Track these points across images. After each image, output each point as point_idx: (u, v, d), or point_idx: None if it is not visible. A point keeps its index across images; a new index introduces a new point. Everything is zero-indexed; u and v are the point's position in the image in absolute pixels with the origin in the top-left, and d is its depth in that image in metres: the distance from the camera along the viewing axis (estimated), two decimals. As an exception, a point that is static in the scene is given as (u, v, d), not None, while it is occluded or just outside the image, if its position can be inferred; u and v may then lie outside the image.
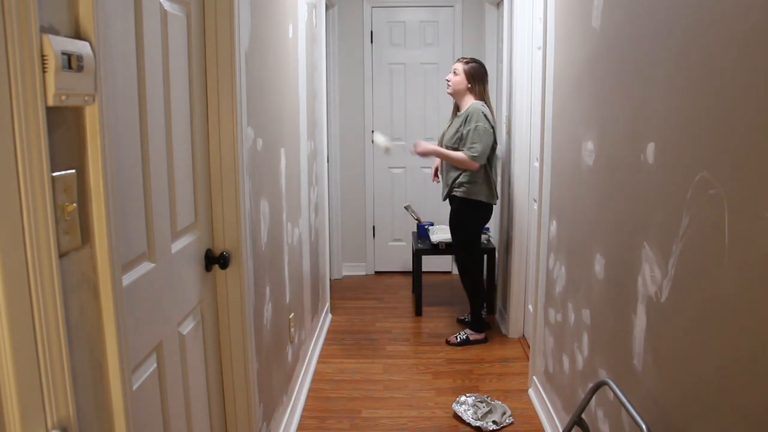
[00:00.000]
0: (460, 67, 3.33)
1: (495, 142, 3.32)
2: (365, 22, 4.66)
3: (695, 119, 1.28)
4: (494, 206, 3.49)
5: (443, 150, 3.37)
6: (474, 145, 3.23)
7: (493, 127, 3.27)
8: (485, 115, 3.24)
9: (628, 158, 1.66)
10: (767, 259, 1.03)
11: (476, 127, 3.22)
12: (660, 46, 1.45)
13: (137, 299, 1.23)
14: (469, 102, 3.32)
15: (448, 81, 3.38)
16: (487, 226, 4.45)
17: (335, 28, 4.61)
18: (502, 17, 3.79)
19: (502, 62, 3.92)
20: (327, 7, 4.28)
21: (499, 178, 3.69)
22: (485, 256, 4.12)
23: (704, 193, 1.23)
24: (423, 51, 4.69)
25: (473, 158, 3.24)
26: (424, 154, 3.46)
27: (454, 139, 3.32)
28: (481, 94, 3.34)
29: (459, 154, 3.28)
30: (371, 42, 4.69)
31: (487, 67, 3.41)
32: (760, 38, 1.04)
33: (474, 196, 3.33)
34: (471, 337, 3.51)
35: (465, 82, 3.32)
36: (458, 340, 3.51)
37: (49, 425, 0.82)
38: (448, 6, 4.66)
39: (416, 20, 4.68)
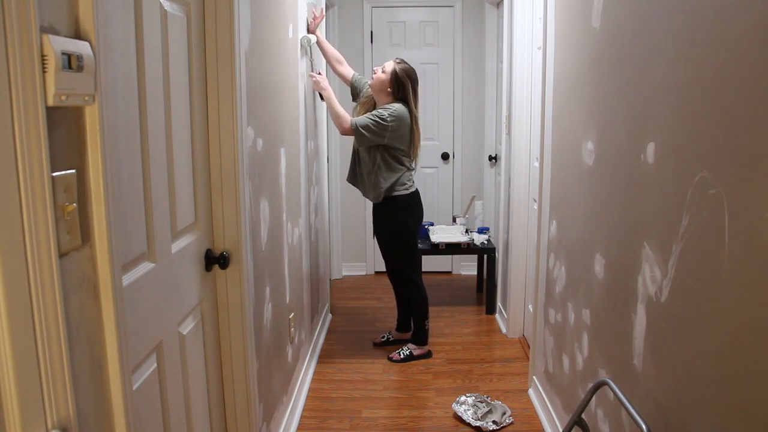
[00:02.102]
0: (389, 67, 3.11)
1: (406, 145, 3.13)
2: (365, 22, 4.66)
3: (695, 119, 1.28)
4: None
5: (331, 94, 3.13)
6: (367, 123, 3.01)
7: (407, 132, 3.10)
8: (403, 117, 3.06)
9: (628, 158, 1.66)
10: (767, 259, 1.03)
11: (386, 113, 3.02)
12: (660, 46, 1.45)
13: (137, 299, 1.23)
14: (390, 102, 3.12)
15: (374, 72, 3.16)
16: (486, 226, 4.46)
17: (335, 28, 4.61)
18: (502, 17, 3.79)
19: (502, 62, 3.92)
20: (327, 7, 4.28)
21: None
22: (485, 256, 4.14)
23: (704, 193, 1.23)
24: (423, 51, 4.69)
25: (358, 127, 3.02)
26: (316, 87, 3.18)
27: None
28: (407, 102, 3.12)
29: (343, 112, 3.07)
30: (371, 42, 4.69)
31: (418, 78, 3.19)
32: (760, 38, 1.04)
33: (406, 190, 3.15)
34: (415, 352, 3.31)
35: (388, 83, 3.09)
36: (402, 356, 3.30)
37: (49, 425, 0.82)
38: (448, 6, 4.66)
39: (416, 20, 4.68)
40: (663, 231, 1.43)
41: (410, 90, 3.12)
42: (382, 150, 3.11)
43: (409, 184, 3.19)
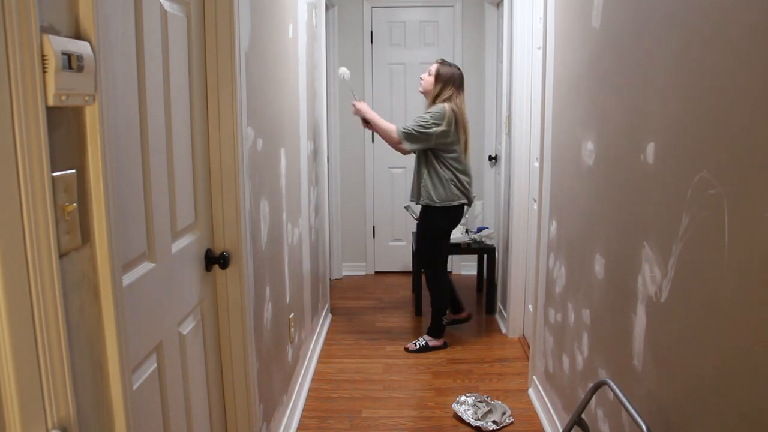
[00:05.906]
0: (434, 68, 3.29)
1: (455, 142, 3.22)
2: (365, 22, 4.66)
3: (695, 119, 1.28)
4: (466, 206, 3.41)
5: (374, 115, 3.31)
6: (411, 128, 3.18)
7: (452, 129, 3.19)
8: (446, 115, 3.16)
9: (628, 158, 1.66)
10: (767, 259, 1.03)
11: (427, 116, 3.18)
12: (660, 46, 1.45)
13: (137, 299, 1.23)
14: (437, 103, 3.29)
15: (422, 79, 3.34)
16: (486, 225, 4.47)
17: (335, 28, 4.61)
18: (502, 17, 3.80)
19: (502, 62, 3.92)
20: (327, 7, 4.28)
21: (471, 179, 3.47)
22: (485, 256, 4.14)
23: (704, 193, 1.23)
24: (423, 51, 4.69)
25: (403, 135, 3.19)
26: (357, 113, 3.36)
27: None
28: (450, 99, 3.25)
29: (389, 125, 3.25)
30: (371, 42, 4.69)
31: (464, 76, 3.34)
32: (760, 38, 1.04)
33: (443, 202, 3.27)
34: (430, 344, 3.45)
35: (433, 83, 3.27)
36: (417, 347, 3.44)
37: (49, 425, 0.82)
38: (448, 6, 4.66)
39: (416, 20, 4.68)
40: (663, 231, 1.43)
41: (452, 88, 3.23)
42: (429, 160, 3.25)
43: (454, 199, 3.27)
